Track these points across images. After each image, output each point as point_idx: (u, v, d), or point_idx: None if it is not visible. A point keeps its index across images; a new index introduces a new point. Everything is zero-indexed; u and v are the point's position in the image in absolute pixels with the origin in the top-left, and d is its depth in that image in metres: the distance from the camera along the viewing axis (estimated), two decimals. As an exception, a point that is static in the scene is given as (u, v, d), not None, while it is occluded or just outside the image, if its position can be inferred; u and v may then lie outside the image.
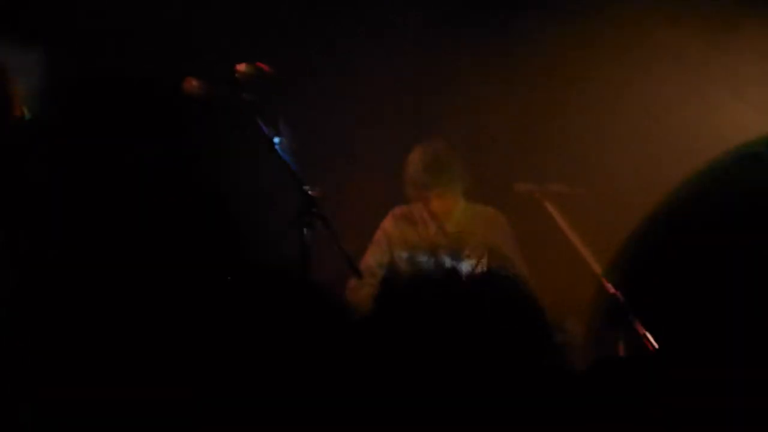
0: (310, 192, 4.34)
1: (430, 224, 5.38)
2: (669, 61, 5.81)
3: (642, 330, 4.54)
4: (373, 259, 5.34)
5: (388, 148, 5.77)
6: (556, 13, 5.93)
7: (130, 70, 5.36)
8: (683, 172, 5.44)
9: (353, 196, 5.77)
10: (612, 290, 4.65)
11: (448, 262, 5.31)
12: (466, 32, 6.00)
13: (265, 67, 4.55)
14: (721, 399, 1.42)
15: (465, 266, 5.30)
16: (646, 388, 1.62)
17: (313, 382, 1.49)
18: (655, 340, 3.91)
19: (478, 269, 5.28)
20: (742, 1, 5.73)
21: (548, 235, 4.99)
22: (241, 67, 4.52)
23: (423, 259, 5.33)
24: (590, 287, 4.74)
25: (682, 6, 5.81)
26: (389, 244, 5.38)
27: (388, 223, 5.41)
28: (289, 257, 4.31)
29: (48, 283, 1.53)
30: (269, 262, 3.50)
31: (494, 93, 5.98)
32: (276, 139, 4.41)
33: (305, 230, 4.29)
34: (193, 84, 4.49)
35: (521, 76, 6.00)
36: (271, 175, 4.63)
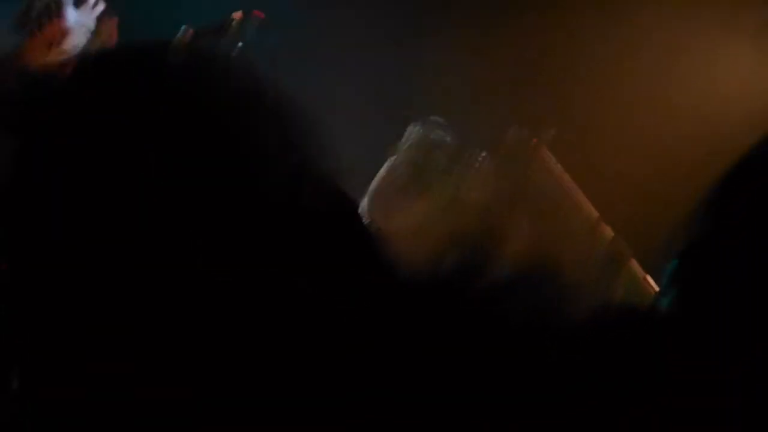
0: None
1: None
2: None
3: (642, 272, 4.56)
4: None
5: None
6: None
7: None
8: (676, 118, 5.47)
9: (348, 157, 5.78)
10: (611, 233, 4.67)
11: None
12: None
13: (261, 15, 4.51)
14: (721, 399, 1.42)
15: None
16: (648, 342, 1.60)
17: (310, 380, 1.50)
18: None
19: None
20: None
21: (544, 183, 4.99)
22: (238, 15, 4.49)
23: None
24: (589, 233, 4.75)
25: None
26: None
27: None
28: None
29: (48, 283, 1.54)
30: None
31: (487, 45, 6.01)
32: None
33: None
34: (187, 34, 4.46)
35: (514, 28, 6.03)
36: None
